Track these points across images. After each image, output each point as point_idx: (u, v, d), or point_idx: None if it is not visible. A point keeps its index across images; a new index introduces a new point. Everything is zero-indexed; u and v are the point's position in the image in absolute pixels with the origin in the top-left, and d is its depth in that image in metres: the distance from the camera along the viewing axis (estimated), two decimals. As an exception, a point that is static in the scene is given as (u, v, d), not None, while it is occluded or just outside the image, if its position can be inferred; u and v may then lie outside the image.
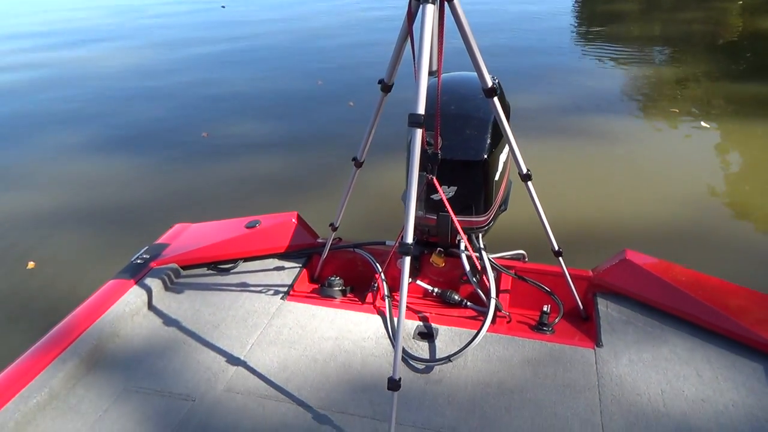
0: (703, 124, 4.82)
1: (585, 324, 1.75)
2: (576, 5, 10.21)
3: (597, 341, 1.61)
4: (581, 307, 1.77)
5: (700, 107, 5.23)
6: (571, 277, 1.74)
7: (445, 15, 1.38)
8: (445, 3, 1.36)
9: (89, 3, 12.65)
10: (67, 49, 8.43)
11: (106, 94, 6.34)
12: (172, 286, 1.90)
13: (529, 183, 1.60)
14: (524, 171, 1.59)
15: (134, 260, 1.96)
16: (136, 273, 1.88)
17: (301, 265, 1.98)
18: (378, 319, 1.73)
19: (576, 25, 8.98)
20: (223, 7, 10.95)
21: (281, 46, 8.15)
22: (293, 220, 2.08)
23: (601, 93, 5.64)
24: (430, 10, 1.32)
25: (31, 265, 3.28)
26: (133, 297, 1.77)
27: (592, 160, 4.21)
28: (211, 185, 4.08)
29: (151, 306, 1.80)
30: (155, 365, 1.58)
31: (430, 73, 1.42)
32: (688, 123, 4.87)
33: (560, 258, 1.72)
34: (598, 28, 8.61)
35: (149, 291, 1.81)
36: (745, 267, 2.91)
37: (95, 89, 6.52)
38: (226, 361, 1.57)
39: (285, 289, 1.86)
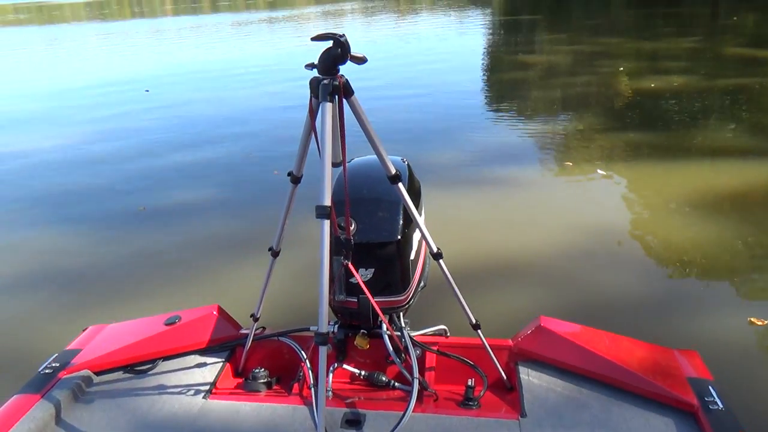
0: (599, 171, 5.26)
1: (509, 394, 1.78)
2: (484, 75, 11.04)
3: (521, 411, 1.64)
4: (504, 377, 1.81)
5: (598, 157, 5.74)
6: (491, 348, 1.79)
7: (344, 109, 1.47)
8: (344, 99, 1.45)
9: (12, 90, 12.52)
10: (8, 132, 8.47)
11: (42, 174, 6.38)
12: (83, 395, 1.79)
13: (441, 261, 1.67)
14: (434, 250, 1.66)
15: (41, 370, 1.84)
16: (43, 385, 1.76)
17: (224, 360, 1.92)
18: (305, 410, 1.69)
19: (485, 91, 9.72)
20: (147, 90, 11.03)
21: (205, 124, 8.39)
22: (214, 313, 2.04)
23: (507, 149, 6.13)
24: (329, 108, 1.41)
25: None
26: (39, 412, 1.65)
27: (498, 212, 4.53)
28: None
29: (60, 420, 1.69)
30: None
31: (336, 165, 1.49)
32: (587, 173, 5.32)
33: (479, 330, 1.77)
34: (503, 95, 9.36)
35: (58, 404, 1.70)
36: (647, 317, 3.09)
37: (37, 172, 6.53)
38: None
39: (207, 386, 1.80)
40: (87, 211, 5.18)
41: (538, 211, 4.52)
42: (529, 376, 1.77)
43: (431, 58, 12.51)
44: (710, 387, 1.65)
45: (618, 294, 3.32)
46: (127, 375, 1.88)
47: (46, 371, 1.83)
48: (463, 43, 15.53)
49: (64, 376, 1.81)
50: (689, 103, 7.62)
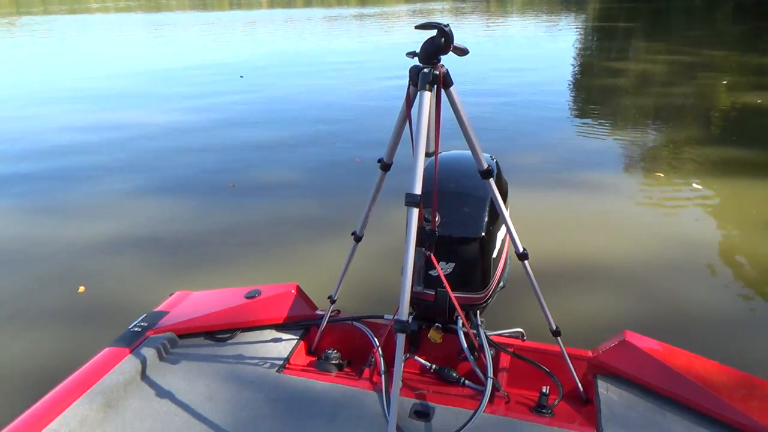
0: (694, 185, 4.98)
1: (585, 407, 1.72)
2: (574, 79, 10.72)
3: (597, 427, 1.58)
4: (581, 389, 1.74)
5: (692, 170, 5.45)
6: (570, 358, 1.73)
7: (441, 100, 1.46)
8: (442, 89, 1.44)
9: (115, 70, 13.51)
10: (108, 112, 9.21)
11: (150, 147, 6.97)
12: (168, 355, 1.88)
13: (526, 262, 1.62)
14: (521, 250, 1.62)
15: (131, 328, 1.96)
16: (133, 341, 1.87)
17: (298, 337, 1.97)
18: (374, 395, 1.70)
19: (575, 96, 9.46)
20: (242, 77, 11.59)
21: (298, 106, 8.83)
22: (293, 291, 2.09)
23: (595, 155, 5.97)
24: (427, 97, 1.40)
25: (81, 289, 3.58)
26: (128, 366, 1.76)
27: (583, 217, 4.39)
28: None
29: (145, 376, 1.79)
30: None
31: (428, 155, 1.48)
32: (679, 185, 5.07)
33: (558, 338, 1.71)
34: (594, 101, 9.06)
35: (144, 360, 1.80)
36: (742, 345, 2.88)
37: (145, 144, 7.15)
38: None
39: (281, 361, 1.85)
40: (182, 183, 5.58)
41: (624, 220, 4.35)
42: (608, 391, 1.70)
43: (521, 61, 12.29)
44: None
45: (704, 314, 3.12)
46: (208, 341, 1.96)
47: (136, 329, 1.94)
48: (554, 47, 15.11)
49: (151, 335, 1.91)
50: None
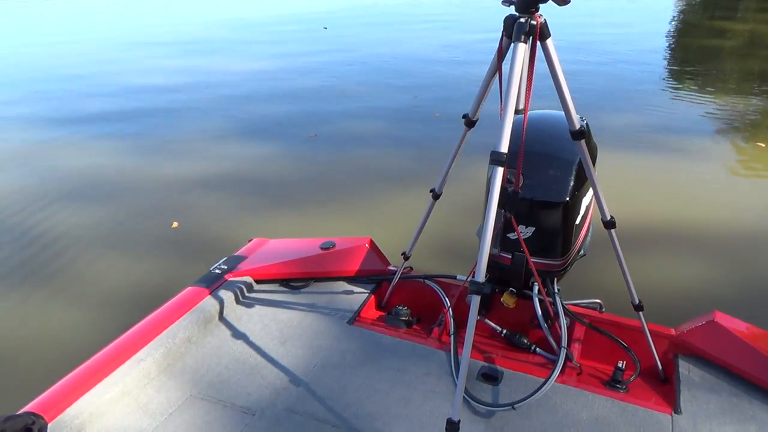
0: None
1: (663, 386, 1.64)
2: (672, 40, 9.99)
3: (675, 407, 1.50)
4: (660, 367, 1.66)
5: None
6: (651, 334, 1.64)
7: (536, 54, 1.36)
8: (538, 42, 1.34)
9: (206, 19, 14.00)
10: (203, 57, 9.66)
11: (236, 93, 7.28)
12: (245, 299, 1.95)
13: (612, 231, 1.54)
14: (608, 218, 1.53)
15: (212, 270, 2.04)
16: (213, 282, 1.95)
17: (369, 291, 1.98)
18: (442, 354, 1.70)
19: (672, 57, 8.89)
20: (325, 28, 11.63)
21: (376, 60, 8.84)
22: (366, 245, 2.10)
23: (691, 121, 5.63)
24: (521, 49, 1.31)
25: (174, 225, 3.82)
26: (208, 306, 1.84)
27: (674, 185, 4.15)
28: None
29: (223, 316, 1.87)
30: (221, 375, 1.62)
31: (517, 112, 1.41)
32: None
33: (640, 313, 1.63)
34: (693, 62, 8.45)
35: (222, 302, 1.87)
36: None
37: (231, 90, 7.47)
38: (289, 380, 1.59)
39: (352, 313, 1.87)
40: (265, 129, 5.77)
41: (720, 189, 4.08)
42: (689, 372, 1.61)
43: (616, 16, 11.51)
44: None
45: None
46: (283, 288, 2.01)
47: (216, 271, 2.02)
48: (651, 4, 14.05)
49: (230, 279, 1.99)
50: None
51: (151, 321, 1.75)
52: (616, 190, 3.87)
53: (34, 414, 1.14)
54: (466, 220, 3.29)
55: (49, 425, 1.34)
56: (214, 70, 8.49)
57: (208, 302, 1.85)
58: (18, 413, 1.14)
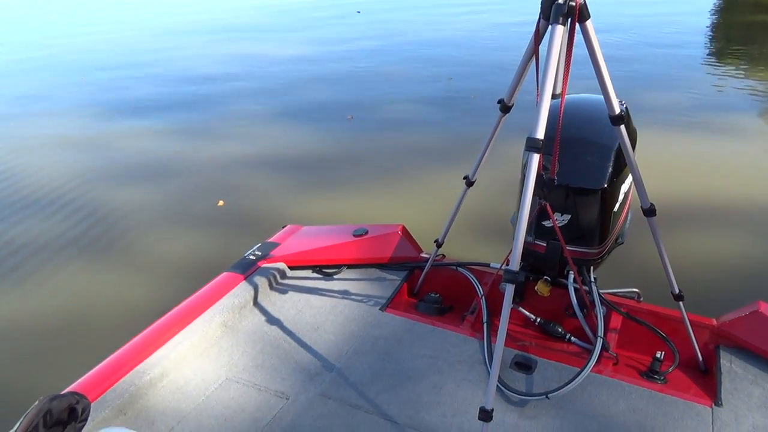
0: None
1: (703, 378, 1.60)
2: (715, 16, 9.66)
3: (716, 399, 1.46)
4: (700, 358, 1.62)
5: None
6: (691, 324, 1.60)
7: (575, 37, 1.32)
8: (577, 24, 1.30)
9: (239, 5, 14.19)
10: (239, 43, 9.86)
11: (275, 76, 7.50)
12: (278, 285, 1.98)
13: (652, 219, 1.49)
14: (647, 205, 1.49)
15: (247, 256, 2.07)
16: (248, 268, 1.98)
17: (401, 278, 1.98)
18: (475, 342, 1.69)
19: (714, 34, 8.62)
20: (359, 12, 11.66)
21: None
22: (398, 232, 2.09)
23: (732, 99, 5.49)
24: (559, 31, 1.27)
25: (220, 203, 4.00)
26: (243, 291, 1.87)
27: (715, 163, 4.06)
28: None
29: (257, 302, 1.89)
30: (256, 359, 1.65)
31: (554, 96, 1.37)
32: None
33: (681, 302, 1.59)
34: (735, 39, 8.19)
35: (257, 287, 1.90)
36: None
37: (270, 73, 7.71)
38: (322, 366, 1.61)
39: (384, 300, 1.88)
40: (305, 113, 5.89)
41: (758, 166, 3.99)
42: (731, 363, 1.56)
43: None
44: None
45: None
46: (316, 274, 2.03)
47: (251, 257, 2.05)
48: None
49: (264, 265, 2.01)
50: None
51: (188, 305, 1.79)
52: (656, 171, 3.76)
53: (77, 394, 1.18)
54: (501, 207, 3.25)
55: (92, 405, 1.39)
56: (251, 57, 8.63)
57: (243, 288, 1.88)
58: (62, 393, 1.18)
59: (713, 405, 1.44)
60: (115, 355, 1.58)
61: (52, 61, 9.39)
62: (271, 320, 1.81)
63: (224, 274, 1.96)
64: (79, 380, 1.49)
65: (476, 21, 10.19)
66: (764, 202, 3.51)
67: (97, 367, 1.54)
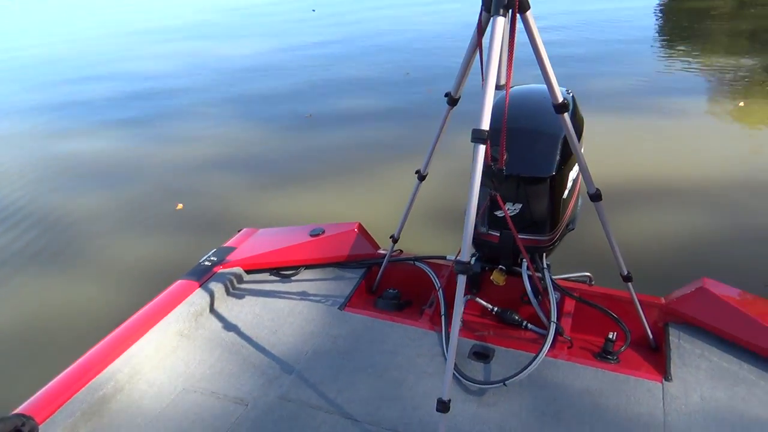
0: None
1: (653, 355, 1.65)
2: (663, 1, 10.00)
3: (666, 374, 1.51)
4: (650, 336, 1.67)
5: None
6: (640, 304, 1.65)
7: (516, 27, 1.33)
8: (518, 15, 1.31)
9: (195, 6, 14.10)
10: (196, 42, 9.87)
11: (231, 76, 7.44)
12: (235, 290, 1.95)
13: (599, 203, 1.53)
14: (593, 190, 1.52)
15: (202, 262, 2.03)
16: (203, 275, 1.94)
17: (360, 276, 1.98)
18: (434, 335, 1.70)
19: (662, 19, 8.94)
20: (314, 10, 11.65)
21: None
22: (355, 230, 2.09)
23: (678, 82, 5.70)
24: (501, 22, 1.28)
25: (179, 206, 3.96)
26: (199, 298, 1.83)
27: (659, 142, 4.25)
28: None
29: (213, 308, 1.86)
30: (214, 367, 1.62)
31: (498, 88, 1.38)
32: (762, 115, 4.75)
33: (629, 283, 1.63)
34: (683, 24, 8.49)
35: (213, 294, 1.87)
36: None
37: (226, 73, 7.63)
38: (281, 369, 1.60)
39: (343, 299, 1.87)
40: (263, 111, 5.89)
41: (702, 146, 4.18)
42: (680, 339, 1.62)
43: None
44: None
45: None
46: (273, 277, 2.01)
47: (206, 263, 2.01)
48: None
49: (220, 270, 1.98)
50: None
51: (142, 316, 1.75)
52: (603, 156, 3.89)
53: (23, 416, 1.14)
54: (456, 198, 3.29)
55: (41, 426, 1.35)
56: (206, 57, 8.56)
57: (199, 295, 1.85)
58: (8, 415, 1.14)
59: (663, 380, 1.49)
60: (66, 372, 1.53)
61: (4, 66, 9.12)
62: (229, 326, 1.79)
63: (179, 281, 1.92)
64: (28, 400, 1.44)
65: (428, 12, 10.27)
66: (704, 180, 3.67)
67: (47, 386, 1.49)
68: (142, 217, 3.88)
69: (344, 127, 5.23)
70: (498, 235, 1.73)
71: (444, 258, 1.95)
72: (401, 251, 2.02)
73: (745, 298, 1.68)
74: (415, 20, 10.01)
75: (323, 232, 2.09)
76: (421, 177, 1.74)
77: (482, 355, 1.61)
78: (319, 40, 8.93)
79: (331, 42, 8.80)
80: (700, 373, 1.50)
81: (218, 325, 1.80)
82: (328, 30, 9.74)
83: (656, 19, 8.67)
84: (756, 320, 1.56)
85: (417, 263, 1.96)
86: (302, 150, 4.79)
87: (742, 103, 5.01)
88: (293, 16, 11.23)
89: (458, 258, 1.29)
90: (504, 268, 1.77)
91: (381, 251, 2.05)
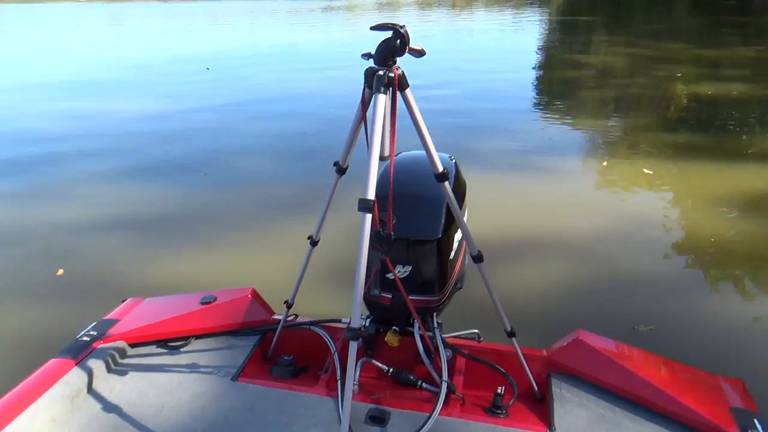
0: (645, 171, 5.23)
1: (539, 406, 1.73)
2: (537, 72, 11.05)
3: (550, 425, 1.59)
4: (536, 388, 1.76)
5: (644, 156, 5.73)
6: (524, 357, 1.74)
7: (397, 102, 1.43)
8: (398, 92, 1.41)
9: (86, 59, 13.59)
10: (87, 99, 9.52)
11: (123, 134, 7.22)
12: (117, 366, 1.82)
13: (481, 264, 1.62)
14: (475, 252, 1.62)
15: (79, 337, 1.89)
16: (80, 352, 1.80)
17: (254, 344, 1.93)
18: (330, 401, 1.68)
19: (537, 88, 9.80)
20: (208, 69, 11.64)
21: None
22: (249, 296, 2.05)
23: (553, 143, 6.25)
24: (382, 99, 1.37)
25: (60, 272, 3.68)
26: (75, 378, 1.69)
27: (535, 199, 4.63)
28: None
29: (92, 388, 1.73)
30: None
31: (383, 158, 1.46)
32: (631, 170, 5.34)
33: (513, 338, 1.72)
34: (555, 92, 9.43)
35: (91, 372, 1.73)
36: (694, 341, 2.96)
37: (118, 132, 7.40)
38: None
39: (236, 369, 1.81)
40: (154, 171, 5.71)
41: (575, 202, 4.58)
42: (561, 389, 1.72)
43: (485, 54, 12.45)
44: (755, 419, 1.56)
45: (658, 304, 3.21)
46: (160, 350, 1.90)
47: (84, 339, 1.87)
48: (517, 41, 15.36)
49: (100, 346, 1.85)
50: (746, 112, 7.38)
51: (7, 402, 1.58)
52: (485, 215, 4.17)
53: None
54: (350, 262, 3.35)
55: None
56: (97, 114, 8.27)
57: (75, 374, 1.71)
58: None
59: (548, 430, 1.57)
60: None
61: None
62: (109, 407, 1.66)
63: (52, 360, 1.76)
64: None
65: (328, 79, 10.60)
66: (576, 234, 4.00)
67: None
68: (17, 284, 3.59)
69: (238, 186, 5.22)
70: (390, 297, 1.78)
71: (339, 321, 1.95)
72: (296, 316, 2.00)
73: (616, 348, 1.83)
74: (311, 82, 10.29)
75: (215, 299, 2.03)
76: (314, 242, 1.77)
77: (378, 419, 1.62)
78: (212, 100, 8.94)
79: (224, 101, 8.86)
80: (580, 421, 1.60)
81: (97, 407, 1.66)
82: (223, 89, 9.83)
83: (534, 90, 9.55)
84: (627, 369, 1.70)
85: (312, 327, 1.95)
86: (198, 210, 4.70)
87: (605, 163, 5.59)
88: (188, 75, 11.13)
89: (350, 325, 1.32)
90: (397, 329, 1.81)
91: (276, 317, 2.02)
